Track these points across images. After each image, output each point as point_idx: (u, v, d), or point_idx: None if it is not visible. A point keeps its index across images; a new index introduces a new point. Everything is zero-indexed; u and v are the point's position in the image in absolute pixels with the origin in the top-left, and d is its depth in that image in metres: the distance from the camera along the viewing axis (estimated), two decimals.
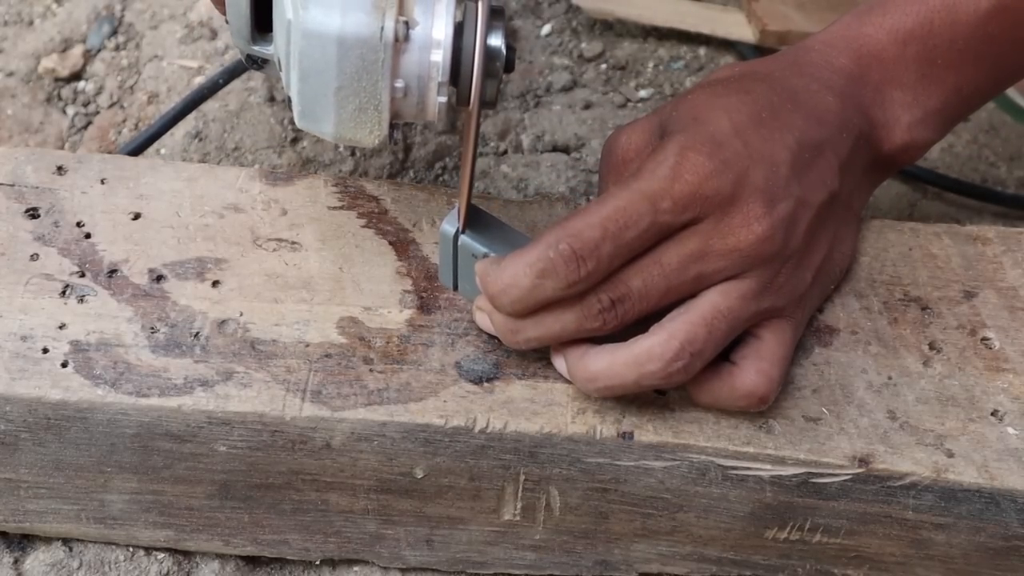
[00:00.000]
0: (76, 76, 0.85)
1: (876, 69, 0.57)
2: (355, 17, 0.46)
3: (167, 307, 0.55)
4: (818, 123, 0.54)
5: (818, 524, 0.55)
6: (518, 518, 0.57)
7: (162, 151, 0.81)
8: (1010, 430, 0.54)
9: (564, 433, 0.52)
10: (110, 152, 0.80)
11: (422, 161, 0.81)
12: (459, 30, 0.49)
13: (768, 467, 0.53)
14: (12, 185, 0.60)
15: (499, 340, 0.54)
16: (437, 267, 0.58)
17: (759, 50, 0.89)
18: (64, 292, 0.56)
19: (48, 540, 0.60)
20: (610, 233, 0.48)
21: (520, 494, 0.55)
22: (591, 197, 0.76)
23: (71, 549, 0.60)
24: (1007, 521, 0.54)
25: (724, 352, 0.52)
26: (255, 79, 0.83)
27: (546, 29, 0.91)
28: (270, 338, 0.55)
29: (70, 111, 0.84)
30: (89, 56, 0.86)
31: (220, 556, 0.60)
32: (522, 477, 0.54)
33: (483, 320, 0.54)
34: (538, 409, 0.53)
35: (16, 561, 0.60)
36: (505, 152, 0.83)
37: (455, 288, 0.56)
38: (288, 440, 0.53)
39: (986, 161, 0.86)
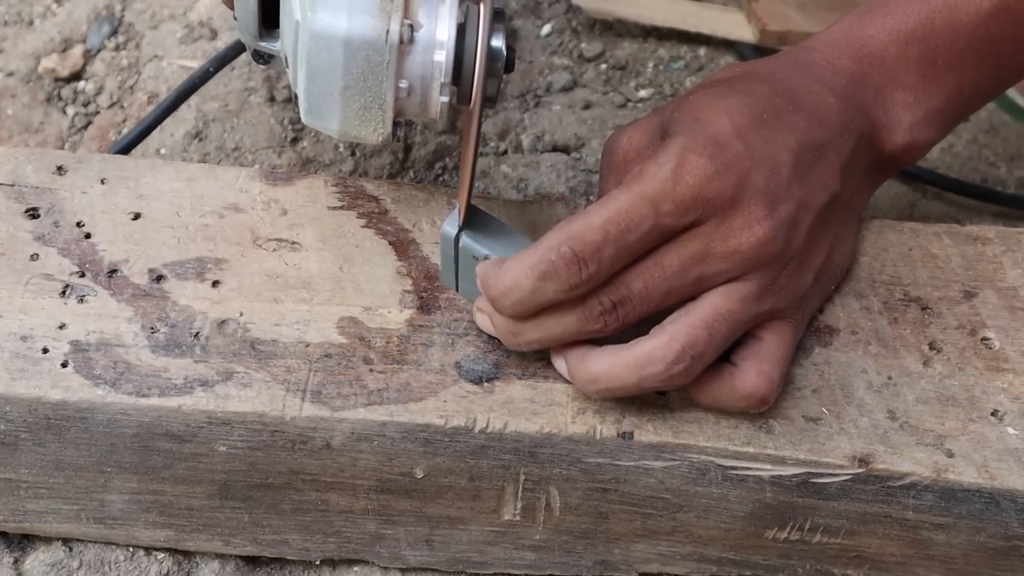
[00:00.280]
0: (76, 76, 0.85)
1: (877, 70, 0.57)
2: (361, 20, 0.47)
3: (167, 307, 0.55)
4: (819, 124, 0.54)
5: (818, 524, 0.55)
6: (518, 518, 0.57)
7: (162, 151, 0.81)
8: (1010, 430, 0.54)
9: (564, 433, 0.52)
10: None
11: (422, 161, 0.81)
12: (461, 32, 0.50)
13: (768, 467, 0.53)
14: (12, 185, 0.60)
15: (499, 340, 0.54)
16: (438, 267, 0.58)
17: (759, 50, 0.89)
18: (64, 292, 0.56)
19: (48, 540, 0.60)
20: (612, 236, 0.48)
21: (520, 494, 0.55)
22: (591, 197, 0.76)
23: (71, 549, 0.60)
24: (1007, 521, 0.54)
25: (724, 353, 0.52)
26: (255, 79, 0.83)
27: (546, 29, 0.91)
28: (270, 338, 0.55)
29: (70, 111, 0.84)
30: (89, 56, 0.86)
31: (220, 556, 0.60)
32: (522, 477, 0.54)
33: (484, 321, 0.54)
34: (538, 409, 0.53)
35: (16, 561, 0.60)
36: (505, 152, 0.83)
37: (456, 289, 0.56)
38: (288, 440, 0.53)
39: (986, 161, 0.86)
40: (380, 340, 0.55)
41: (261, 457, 0.54)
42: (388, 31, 0.48)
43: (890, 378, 0.56)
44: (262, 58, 0.55)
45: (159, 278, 0.57)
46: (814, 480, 0.53)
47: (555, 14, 0.91)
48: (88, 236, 0.58)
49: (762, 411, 0.53)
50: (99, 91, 0.85)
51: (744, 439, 0.53)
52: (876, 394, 0.55)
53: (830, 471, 0.53)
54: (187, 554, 0.60)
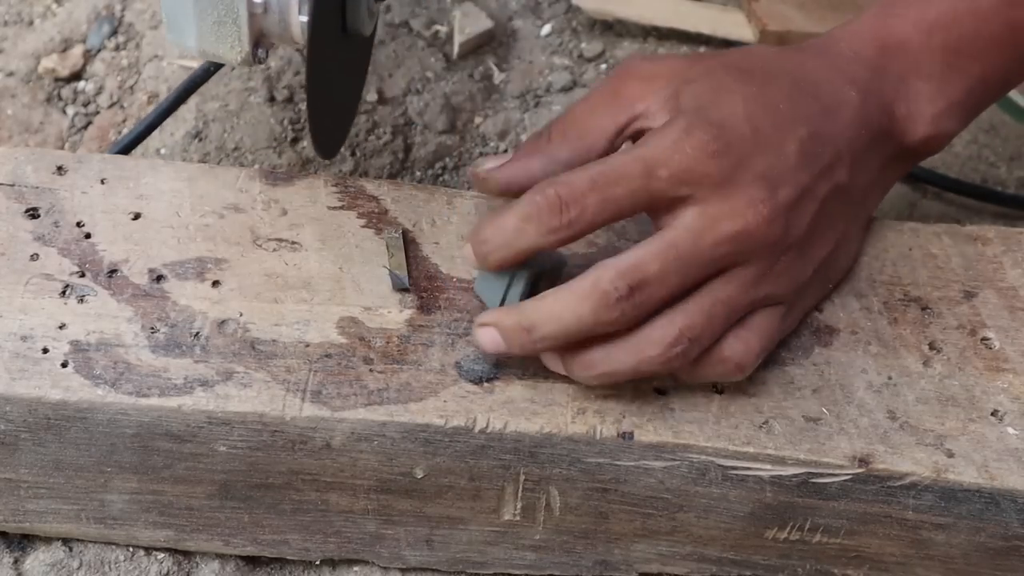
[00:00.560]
0: (76, 76, 0.85)
1: (901, 60, 0.57)
2: None
3: (167, 307, 0.55)
4: (836, 118, 0.54)
5: (818, 524, 0.55)
6: (518, 518, 0.57)
7: (162, 151, 0.81)
8: (1010, 430, 0.54)
9: (564, 433, 0.52)
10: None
11: (422, 161, 0.81)
12: None
13: (768, 467, 0.53)
14: (12, 185, 0.60)
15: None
16: (437, 267, 0.58)
17: None
18: (64, 292, 0.56)
19: (48, 540, 0.60)
20: (598, 185, 0.49)
21: (520, 494, 0.55)
22: None
23: (71, 549, 0.60)
24: (1007, 521, 0.54)
25: None
26: (255, 79, 0.83)
27: (546, 29, 0.91)
28: (270, 338, 0.55)
29: (70, 111, 0.84)
30: (89, 56, 0.86)
31: (220, 556, 0.60)
32: (522, 477, 0.54)
33: (487, 335, 0.52)
34: (538, 409, 0.53)
35: (16, 561, 0.60)
36: (505, 152, 0.83)
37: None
38: (288, 440, 0.53)
39: (986, 161, 0.86)
40: (380, 340, 0.55)
41: (261, 457, 0.54)
42: None
43: (890, 378, 0.56)
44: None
45: (159, 278, 0.57)
46: (814, 480, 0.53)
47: (555, 14, 0.91)
48: (88, 236, 0.58)
49: (738, 379, 0.53)
50: (99, 91, 0.85)
51: (744, 439, 0.53)
52: (876, 394, 0.55)
53: (830, 471, 0.53)
54: (187, 554, 0.60)
